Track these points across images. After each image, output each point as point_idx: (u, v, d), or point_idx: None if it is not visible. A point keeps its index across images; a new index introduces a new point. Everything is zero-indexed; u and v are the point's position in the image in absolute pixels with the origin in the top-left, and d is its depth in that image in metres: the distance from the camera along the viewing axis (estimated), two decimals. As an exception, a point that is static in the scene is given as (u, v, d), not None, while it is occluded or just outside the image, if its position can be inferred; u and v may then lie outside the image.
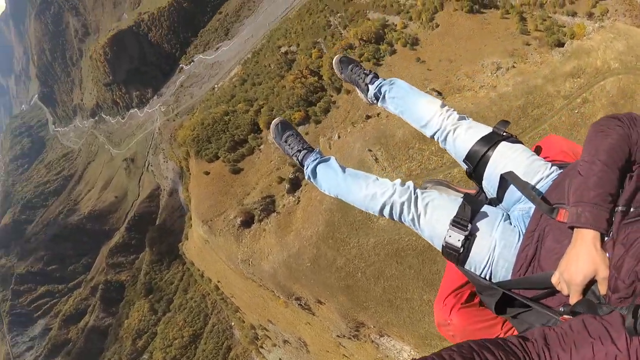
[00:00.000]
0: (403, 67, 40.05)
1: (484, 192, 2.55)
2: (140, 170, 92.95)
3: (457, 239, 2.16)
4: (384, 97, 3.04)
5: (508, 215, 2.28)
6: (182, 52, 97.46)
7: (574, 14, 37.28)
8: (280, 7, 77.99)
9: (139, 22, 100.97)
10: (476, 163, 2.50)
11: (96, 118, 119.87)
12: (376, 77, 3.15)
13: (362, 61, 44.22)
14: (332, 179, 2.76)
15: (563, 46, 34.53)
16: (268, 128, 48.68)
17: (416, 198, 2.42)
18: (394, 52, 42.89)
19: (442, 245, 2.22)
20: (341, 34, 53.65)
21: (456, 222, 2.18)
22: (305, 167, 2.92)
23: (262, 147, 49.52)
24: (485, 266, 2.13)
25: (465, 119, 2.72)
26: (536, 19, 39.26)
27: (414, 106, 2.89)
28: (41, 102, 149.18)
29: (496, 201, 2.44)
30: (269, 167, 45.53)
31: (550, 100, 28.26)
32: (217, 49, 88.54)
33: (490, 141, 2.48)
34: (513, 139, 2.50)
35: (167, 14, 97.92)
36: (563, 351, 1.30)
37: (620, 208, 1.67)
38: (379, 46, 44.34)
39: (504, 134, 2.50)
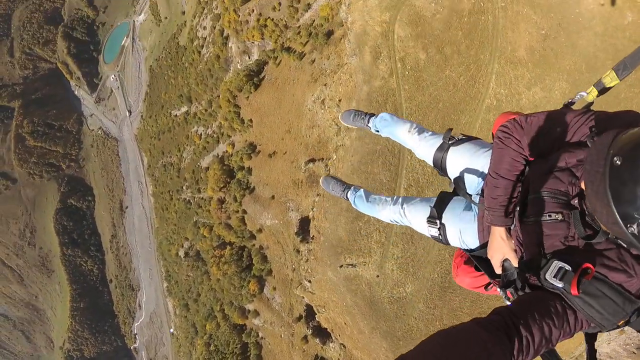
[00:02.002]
0: (268, 171, 39.33)
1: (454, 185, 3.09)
2: None
3: (434, 231, 3.00)
4: (380, 130, 3.97)
5: (471, 200, 2.87)
6: (120, 337, 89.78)
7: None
8: (143, 228, 75.52)
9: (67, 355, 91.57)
10: (440, 168, 3.20)
11: None
12: (371, 115, 4.14)
13: (239, 200, 43.60)
14: (363, 207, 3.91)
15: (333, 33, 36.04)
16: (246, 318, 45.99)
17: (404, 211, 3.37)
18: (249, 170, 42.23)
19: (430, 236, 3.10)
20: (203, 198, 52.41)
21: (429, 221, 3.02)
22: (350, 201, 4.09)
23: (260, 334, 45.58)
24: (460, 243, 2.88)
25: (425, 134, 3.45)
26: (289, 36, 41.20)
27: (395, 132, 3.75)
28: None
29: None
30: (285, 341, 41.78)
31: (386, 85, 28.44)
32: (140, 306, 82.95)
33: (442, 149, 3.15)
34: (459, 141, 3.11)
35: (77, 326, 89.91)
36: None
37: (518, 209, 2.26)
38: (237, 178, 43.51)
39: (449, 140, 3.14)
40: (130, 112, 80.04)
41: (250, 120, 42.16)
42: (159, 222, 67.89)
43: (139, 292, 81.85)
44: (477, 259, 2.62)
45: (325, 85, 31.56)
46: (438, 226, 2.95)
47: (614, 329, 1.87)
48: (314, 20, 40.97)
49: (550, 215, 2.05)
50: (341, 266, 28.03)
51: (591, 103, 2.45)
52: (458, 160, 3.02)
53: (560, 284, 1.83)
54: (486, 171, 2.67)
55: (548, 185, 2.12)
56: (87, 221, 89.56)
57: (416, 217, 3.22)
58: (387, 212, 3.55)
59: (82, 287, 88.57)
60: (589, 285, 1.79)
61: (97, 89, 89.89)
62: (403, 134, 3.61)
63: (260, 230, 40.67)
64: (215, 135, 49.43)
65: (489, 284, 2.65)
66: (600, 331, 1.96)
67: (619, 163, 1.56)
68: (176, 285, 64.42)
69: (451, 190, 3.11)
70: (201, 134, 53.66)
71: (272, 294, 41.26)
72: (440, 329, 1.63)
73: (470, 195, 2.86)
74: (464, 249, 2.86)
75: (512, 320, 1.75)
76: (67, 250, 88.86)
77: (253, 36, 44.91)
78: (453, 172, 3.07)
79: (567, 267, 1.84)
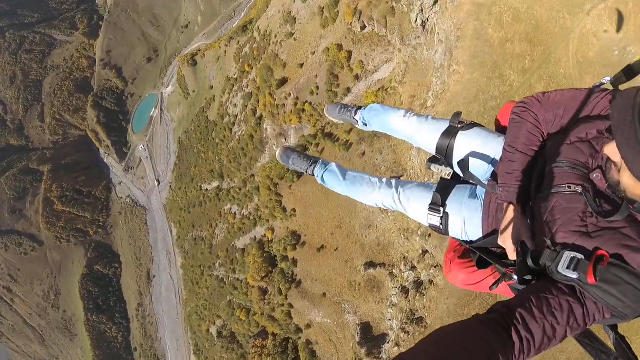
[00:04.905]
0: (317, 267, 35.02)
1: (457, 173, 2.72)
2: None
3: (435, 220, 2.54)
4: (369, 122, 3.44)
5: (475, 188, 2.54)
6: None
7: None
8: (170, 298, 70.37)
9: None
10: (444, 154, 2.72)
11: None
12: (359, 108, 3.59)
13: (285, 293, 39.09)
14: (337, 184, 3.12)
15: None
16: None
17: (399, 195, 2.76)
18: (294, 261, 37.91)
19: (428, 225, 2.61)
20: (238, 279, 47.86)
21: (432, 208, 2.56)
22: (316, 177, 3.28)
23: None
24: (462, 234, 2.48)
25: (425, 119, 2.92)
26: (330, 122, 38.38)
27: (388, 121, 3.16)
28: None
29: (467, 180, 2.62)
30: None
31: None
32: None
33: (450, 134, 2.70)
34: (468, 126, 2.69)
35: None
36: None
37: (533, 184, 2.01)
38: (280, 268, 39.16)
39: (459, 124, 2.70)
40: (159, 182, 77.08)
41: (294, 210, 38.36)
42: (187, 294, 62.94)
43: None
44: (482, 250, 2.24)
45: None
46: (441, 214, 2.53)
47: (637, 317, 1.62)
48: (355, 106, 38.26)
49: (570, 187, 1.83)
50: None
51: (617, 89, 2.06)
52: (468, 145, 2.60)
53: (574, 275, 1.61)
54: (498, 158, 2.43)
55: (568, 155, 1.91)
56: (113, 288, 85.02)
57: (415, 203, 2.69)
58: (375, 196, 2.89)
59: (105, 353, 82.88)
60: (606, 272, 1.56)
61: (126, 157, 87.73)
62: (397, 121, 3.08)
63: (309, 326, 35.83)
64: (252, 217, 45.57)
65: (496, 282, 2.26)
66: (622, 321, 1.68)
67: None
68: (212, 364, 58.56)
69: (448, 178, 2.75)
70: (235, 213, 49.86)
71: (323, 392, 35.81)
72: (441, 326, 1.52)
73: (478, 180, 2.44)
74: (464, 241, 2.49)
75: (511, 318, 1.57)
76: (91, 316, 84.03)
77: (291, 120, 42.19)
78: (459, 158, 2.64)
79: (580, 256, 1.62)
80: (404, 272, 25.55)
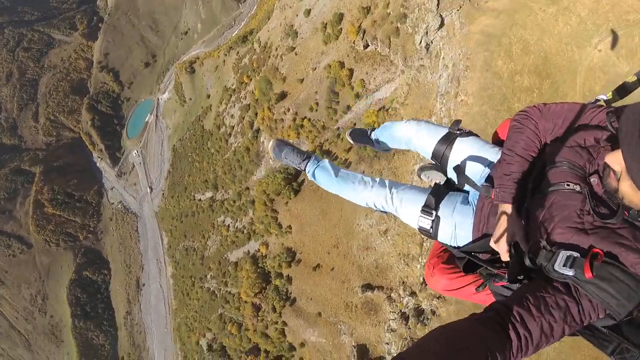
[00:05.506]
0: (313, 285, 34.28)
1: (451, 179, 2.71)
2: None
3: (426, 223, 2.52)
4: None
5: (467, 195, 2.55)
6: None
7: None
8: (160, 307, 68.78)
9: None
10: (440, 160, 2.73)
11: None
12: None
13: (279, 311, 38.17)
14: (327, 181, 3.01)
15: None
16: None
17: (392, 195, 2.72)
18: (288, 278, 37.11)
19: (418, 228, 2.58)
20: (230, 293, 46.81)
21: (424, 211, 2.53)
22: (307, 172, 3.16)
23: None
24: (451, 239, 2.46)
25: (425, 123, 2.89)
26: (328, 138, 37.91)
27: (392, 133, 3.13)
28: None
29: (460, 186, 2.63)
30: None
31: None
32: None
33: (447, 140, 2.69)
34: (465, 134, 2.69)
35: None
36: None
37: (530, 185, 2.04)
38: (274, 284, 38.33)
39: (457, 131, 2.70)
40: (151, 189, 75.79)
41: (289, 227, 37.66)
42: (177, 304, 61.51)
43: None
44: (470, 254, 2.26)
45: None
46: (433, 217, 2.52)
47: (628, 317, 1.63)
48: (355, 124, 37.84)
49: (568, 185, 1.89)
50: None
51: (611, 106, 2.13)
52: (464, 151, 2.61)
53: (570, 272, 1.64)
54: (492, 166, 2.45)
55: (568, 156, 1.96)
56: (102, 295, 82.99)
57: (407, 205, 2.66)
58: (367, 194, 2.81)
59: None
60: (601, 269, 1.60)
61: (119, 162, 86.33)
62: (398, 128, 3.03)
63: (303, 345, 34.95)
64: (245, 231, 44.71)
65: (482, 284, 2.27)
66: (615, 321, 1.70)
67: None
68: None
69: (442, 183, 2.70)
70: (229, 225, 48.94)
71: (315, 412, 34.86)
72: (440, 325, 1.54)
73: (473, 183, 2.48)
74: (452, 246, 2.47)
75: (508, 317, 1.60)
76: (78, 322, 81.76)
77: (289, 135, 41.67)
78: (455, 163, 2.64)
79: (576, 254, 1.67)
80: (403, 297, 25.03)
